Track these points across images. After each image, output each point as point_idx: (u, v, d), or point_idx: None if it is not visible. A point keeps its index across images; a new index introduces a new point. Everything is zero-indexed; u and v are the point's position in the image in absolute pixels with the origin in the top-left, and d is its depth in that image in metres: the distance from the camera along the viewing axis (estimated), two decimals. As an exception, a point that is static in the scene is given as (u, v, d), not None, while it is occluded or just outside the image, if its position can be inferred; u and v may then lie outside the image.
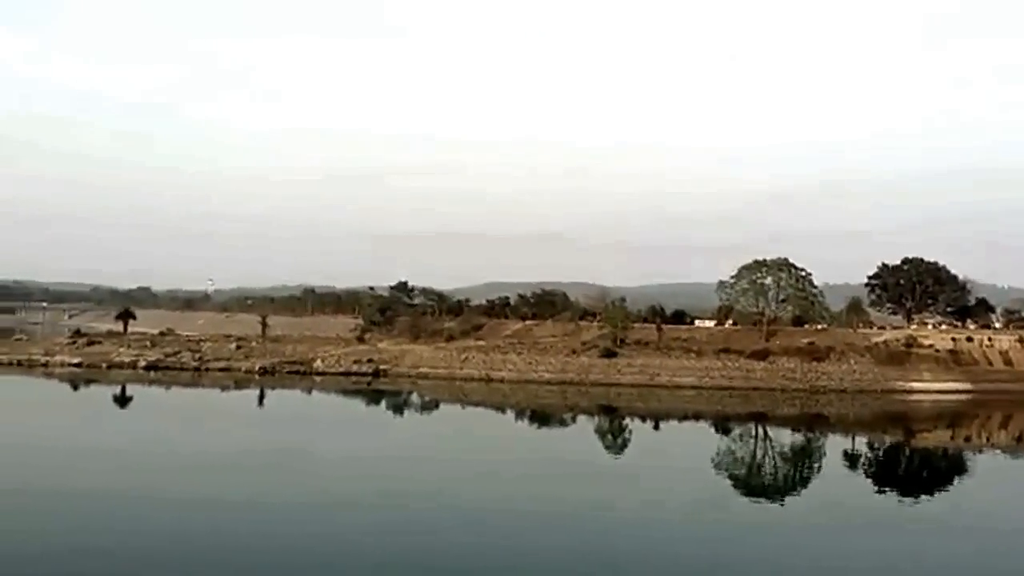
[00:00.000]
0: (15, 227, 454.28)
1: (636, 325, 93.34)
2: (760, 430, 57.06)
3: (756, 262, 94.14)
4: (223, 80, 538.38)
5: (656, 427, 56.86)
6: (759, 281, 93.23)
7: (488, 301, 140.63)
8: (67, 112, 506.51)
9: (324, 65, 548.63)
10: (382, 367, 78.92)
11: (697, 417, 62.62)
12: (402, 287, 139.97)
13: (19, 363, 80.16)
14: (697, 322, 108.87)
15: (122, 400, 60.89)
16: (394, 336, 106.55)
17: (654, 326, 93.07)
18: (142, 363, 79.76)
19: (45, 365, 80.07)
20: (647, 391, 71.92)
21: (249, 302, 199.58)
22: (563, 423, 58.46)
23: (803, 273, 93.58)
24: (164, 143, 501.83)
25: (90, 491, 30.61)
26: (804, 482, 41.57)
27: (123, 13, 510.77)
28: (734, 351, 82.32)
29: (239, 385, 69.47)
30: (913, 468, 47.32)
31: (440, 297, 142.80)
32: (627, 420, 58.06)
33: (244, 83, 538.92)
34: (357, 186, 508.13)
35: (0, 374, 75.08)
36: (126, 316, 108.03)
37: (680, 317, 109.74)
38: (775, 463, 46.25)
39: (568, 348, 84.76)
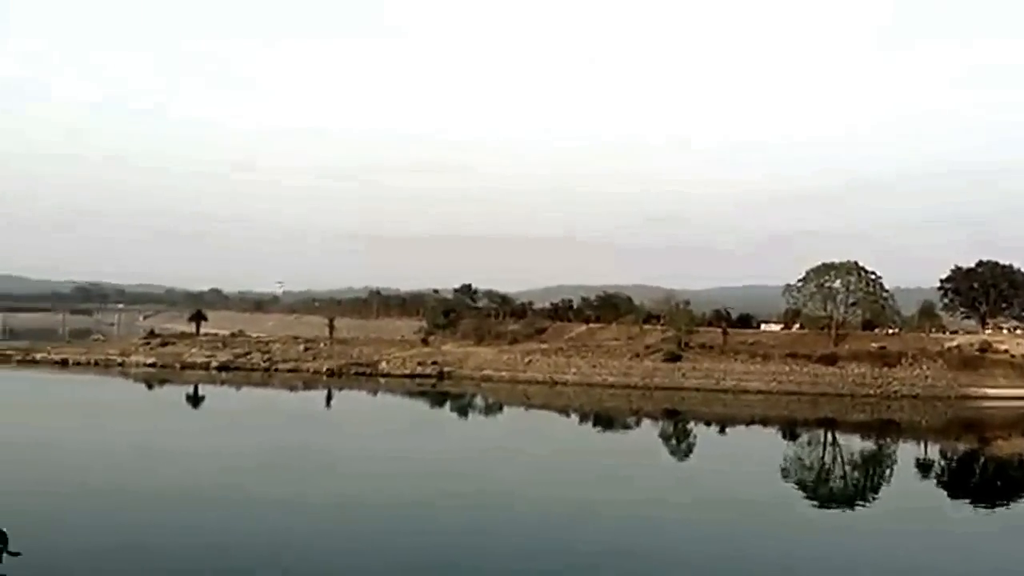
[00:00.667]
0: (91, 230, 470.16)
1: (701, 328, 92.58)
2: (829, 436, 56.17)
3: (824, 265, 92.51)
4: (255, 90, 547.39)
5: (722, 431, 56.41)
6: (827, 284, 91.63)
7: (552, 304, 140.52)
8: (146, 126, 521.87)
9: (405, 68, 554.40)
10: (446, 369, 79.49)
11: (764, 422, 61.94)
12: (466, 290, 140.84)
13: (96, 363, 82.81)
14: (763, 326, 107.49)
15: (195, 400, 62.66)
16: (458, 339, 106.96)
17: (719, 330, 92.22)
18: (214, 364, 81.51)
19: (121, 365, 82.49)
20: (712, 395, 71.30)
21: (316, 304, 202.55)
22: (627, 427, 58.34)
23: (873, 276, 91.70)
24: (233, 151, 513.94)
25: (196, 491, 31.62)
26: (874, 489, 40.86)
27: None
28: (801, 355, 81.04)
29: (307, 386, 70.79)
30: (988, 477, 46.12)
31: (504, 300, 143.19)
32: (692, 424, 57.74)
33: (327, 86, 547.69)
34: (425, 187, 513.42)
35: (79, 373, 77.80)
36: (198, 318, 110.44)
37: (746, 321, 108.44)
38: (844, 469, 45.54)
39: (632, 352, 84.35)
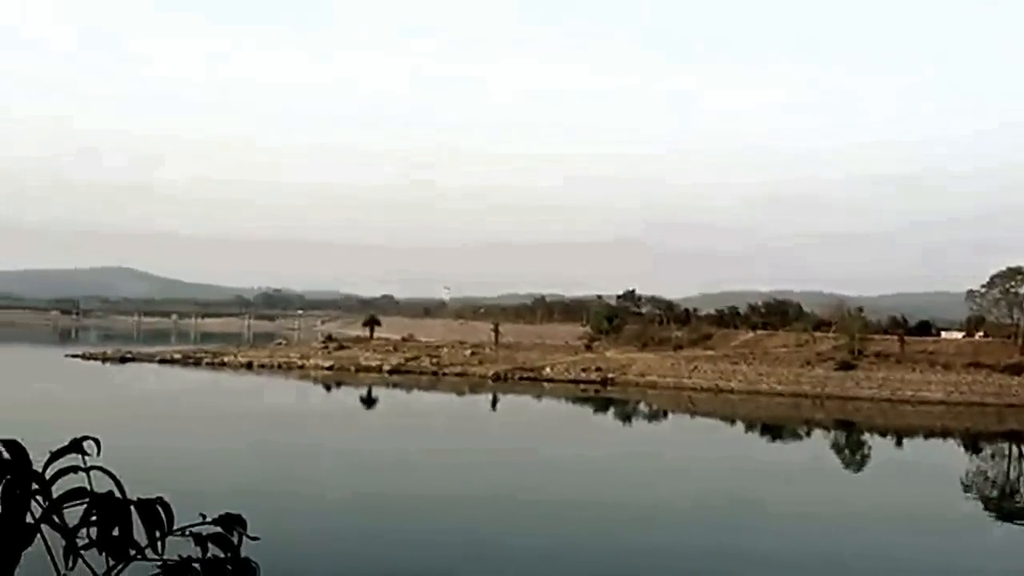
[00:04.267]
0: (275, 238, 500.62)
1: (875, 336, 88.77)
2: (1016, 449, 52.91)
3: (1011, 269, 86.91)
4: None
5: (898, 443, 54.07)
6: (1013, 290, 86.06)
7: (717, 310, 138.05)
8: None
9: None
10: (610, 375, 79.13)
11: (944, 434, 58.85)
12: (630, 295, 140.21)
13: (279, 366, 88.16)
14: (943, 334, 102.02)
15: (368, 401, 65.34)
16: (621, 344, 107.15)
17: (895, 337, 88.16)
18: (386, 367, 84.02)
19: (301, 367, 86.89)
20: (888, 406, 68.11)
21: (481, 310, 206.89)
22: (797, 436, 56.83)
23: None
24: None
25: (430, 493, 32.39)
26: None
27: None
28: (985, 365, 76.46)
29: (473, 390, 72.68)
30: None
31: (668, 306, 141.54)
32: (866, 435, 55.61)
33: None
34: (590, 193, 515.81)
35: (264, 375, 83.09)
36: (372, 323, 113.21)
37: (924, 328, 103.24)
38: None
39: (801, 359, 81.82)
